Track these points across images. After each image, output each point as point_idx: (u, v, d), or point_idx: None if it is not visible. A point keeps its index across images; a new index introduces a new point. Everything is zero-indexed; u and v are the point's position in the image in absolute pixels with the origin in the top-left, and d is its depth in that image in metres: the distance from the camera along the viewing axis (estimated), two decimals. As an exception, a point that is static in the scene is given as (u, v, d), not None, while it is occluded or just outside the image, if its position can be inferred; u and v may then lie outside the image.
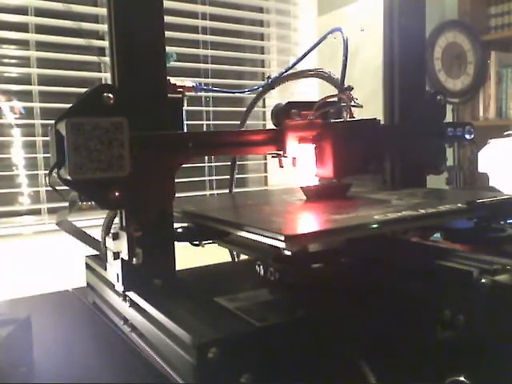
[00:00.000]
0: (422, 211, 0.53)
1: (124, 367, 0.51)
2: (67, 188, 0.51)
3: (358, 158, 0.65)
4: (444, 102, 0.74)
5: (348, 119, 0.67)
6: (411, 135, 0.73)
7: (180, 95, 0.58)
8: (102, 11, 1.73)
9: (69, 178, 0.48)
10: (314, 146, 0.64)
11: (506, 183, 1.45)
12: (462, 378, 0.46)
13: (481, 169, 1.66)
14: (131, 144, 0.50)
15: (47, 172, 0.50)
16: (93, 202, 0.51)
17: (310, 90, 1.97)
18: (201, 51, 1.95)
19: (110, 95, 0.50)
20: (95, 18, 1.77)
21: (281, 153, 0.65)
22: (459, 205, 0.56)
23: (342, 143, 0.63)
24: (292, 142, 0.64)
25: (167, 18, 1.24)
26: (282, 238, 0.43)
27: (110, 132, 0.49)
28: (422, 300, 0.50)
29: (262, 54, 2.18)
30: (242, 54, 2.11)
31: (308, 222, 0.58)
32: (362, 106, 0.66)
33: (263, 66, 2.18)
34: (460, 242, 0.63)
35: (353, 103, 0.66)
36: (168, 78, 0.56)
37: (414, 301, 0.50)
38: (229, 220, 0.55)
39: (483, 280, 0.51)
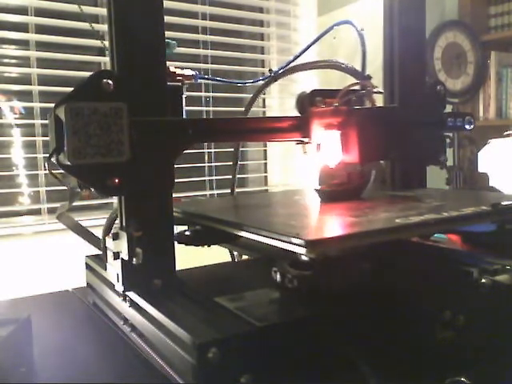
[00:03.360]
0: (446, 214, 0.51)
1: (124, 367, 0.51)
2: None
3: (382, 143, 0.66)
4: (444, 92, 0.74)
5: (372, 106, 0.68)
6: (412, 124, 0.73)
7: (179, 83, 0.59)
8: (102, 11, 1.73)
9: (68, 163, 0.48)
10: (340, 132, 0.65)
11: (506, 183, 1.45)
12: (462, 378, 0.46)
13: (481, 169, 1.66)
14: (130, 129, 0.50)
15: (47, 171, 0.50)
16: (92, 190, 0.51)
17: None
18: (201, 51, 1.95)
19: (110, 81, 0.50)
20: (95, 18, 1.77)
21: (305, 139, 0.66)
22: (483, 207, 0.54)
23: (367, 129, 0.64)
24: (317, 129, 0.65)
25: (167, 18, 1.23)
26: (303, 244, 0.42)
27: (109, 117, 0.49)
28: (422, 300, 0.50)
29: (262, 54, 2.18)
30: (241, 54, 2.11)
31: (327, 225, 0.57)
32: (382, 93, 0.68)
33: (263, 66, 2.18)
34: (480, 245, 0.63)
35: (375, 90, 0.67)
36: (167, 66, 0.56)
37: (414, 301, 0.50)
38: (245, 224, 0.53)
39: (483, 280, 0.51)
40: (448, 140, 0.76)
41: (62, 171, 0.51)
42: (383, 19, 0.79)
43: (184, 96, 0.58)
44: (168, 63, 0.55)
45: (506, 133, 1.71)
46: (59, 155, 0.49)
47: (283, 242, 0.44)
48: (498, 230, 0.60)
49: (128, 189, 0.52)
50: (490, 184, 1.58)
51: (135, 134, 0.50)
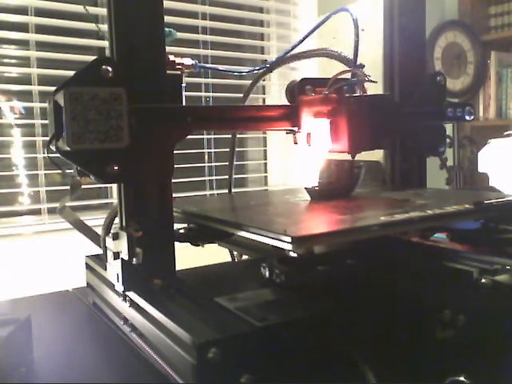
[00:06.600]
0: (430, 212, 0.52)
1: (124, 367, 0.51)
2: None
3: (373, 132, 0.65)
4: (444, 83, 0.73)
5: (363, 94, 0.67)
6: (411, 115, 0.72)
7: (179, 72, 0.59)
8: (103, 11, 1.73)
9: (67, 148, 0.48)
10: (329, 120, 0.64)
11: (505, 183, 1.45)
12: (461, 378, 0.46)
13: (481, 169, 1.66)
14: (130, 115, 0.50)
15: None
16: (92, 178, 0.51)
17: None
18: (201, 51, 1.95)
19: (109, 68, 0.50)
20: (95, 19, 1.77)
21: (295, 129, 0.65)
22: (467, 206, 0.55)
23: (357, 118, 0.63)
24: (307, 118, 0.64)
25: (167, 18, 1.24)
26: (289, 240, 0.43)
27: (108, 103, 0.49)
28: (422, 300, 0.50)
29: (262, 54, 2.18)
30: (242, 54, 2.11)
31: (314, 223, 0.57)
32: (376, 82, 0.67)
33: (263, 66, 2.18)
34: (466, 243, 0.63)
35: (367, 79, 0.66)
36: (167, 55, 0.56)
37: (414, 301, 0.50)
38: (235, 221, 0.55)
39: (483, 280, 0.51)
40: (448, 140, 0.76)
41: (60, 170, 0.51)
42: (383, 19, 0.79)
43: (183, 85, 0.58)
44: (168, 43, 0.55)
45: (506, 133, 1.71)
46: (58, 141, 0.50)
47: (272, 238, 0.45)
48: (483, 227, 0.60)
49: (127, 176, 0.51)
50: (490, 184, 1.57)
51: (134, 120, 0.50)
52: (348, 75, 0.67)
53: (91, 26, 1.66)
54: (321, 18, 0.73)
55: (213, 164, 1.96)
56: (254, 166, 2.19)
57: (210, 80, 1.96)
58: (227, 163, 0.80)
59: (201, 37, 1.95)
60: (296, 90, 0.66)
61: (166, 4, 1.62)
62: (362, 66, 0.67)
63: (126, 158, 0.50)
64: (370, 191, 0.74)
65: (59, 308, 0.70)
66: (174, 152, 0.54)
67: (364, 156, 0.66)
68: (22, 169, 1.63)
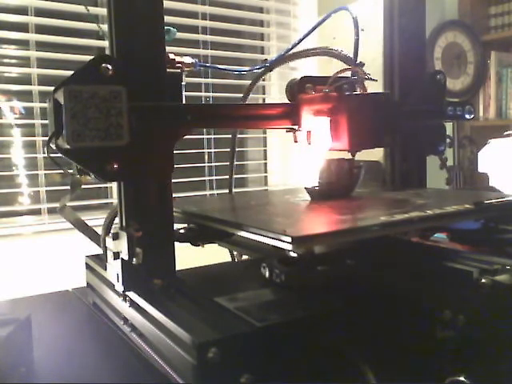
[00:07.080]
0: (430, 212, 0.52)
1: (124, 367, 0.51)
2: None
3: (373, 130, 0.65)
4: (444, 81, 0.73)
5: (363, 92, 0.67)
6: (411, 113, 0.72)
7: (179, 70, 0.59)
8: (103, 11, 1.73)
9: (67, 146, 0.48)
10: (329, 118, 0.64)
11: (505, 183, 1.45)
12: (461, 378, 0.46)
13: (481, 169, 1.66)
14: (130, 113, 0.50)
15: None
16: (92, 176, 0.51)
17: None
18: (201, 51, 1.95)
19: (109, 66, 0.50)
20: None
21: (295, 127, 0.65)
22: (466, 206, 0.55)
23: (357, 116, 0.63)
24: (307, 116, 0.64)
25: (167, 18, 1.24)
26: (289, 240, 0.43)
27: (108, 100, 0.49)
28: (422, 300, 0.50)
29: (262, 54, 2.18)
30: (242, 54, 2.11)
31: (314, 223, 0.58)
32: (376, 80, 0.67)
33: (263, 66, 2.17)
34: (466, 243, 0.63)
35: (367, 77, 0.66)
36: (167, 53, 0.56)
37: (414, 301, 0.50)
38: (235, 221, 0.55)
39: (483, 280, 0.51)
40: (448, 140, 0.76)
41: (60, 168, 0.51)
42: (383, 19, 0.79)
43: (183, 84, 0.58)
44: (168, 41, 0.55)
45: (506, 133, 1.71)
46: (58, 140, 0.49)
47: (271, 238, 0.45)
48: (483, 227, 0.60)
49: (127, 174, 0.51)
50: (490, 184, 1.58)
51: (134, 118, 0.50)
52: (348, 73, 0.67)
53: (91, 25, 1.66)
54: (321, 18, 0.73)
55: (213, 164, 1.96)
56: (254, 165, 2.19)
57: (209, 80, 1.96)
58: (227, 163, 0.80)
59: (201, 37, 1.95)
60: (296, 88, 0.66)
61: (166, 4, 1.62)
62: (362, 65, 0.67)
63: (125, 155, 0.51)
64: (370, 191, 0.74)
65: (59, 308, 0.70)
66: (174, 152, 0.54)
67: (364, 156, 0.66)
68: (22, 169, 1.63)
